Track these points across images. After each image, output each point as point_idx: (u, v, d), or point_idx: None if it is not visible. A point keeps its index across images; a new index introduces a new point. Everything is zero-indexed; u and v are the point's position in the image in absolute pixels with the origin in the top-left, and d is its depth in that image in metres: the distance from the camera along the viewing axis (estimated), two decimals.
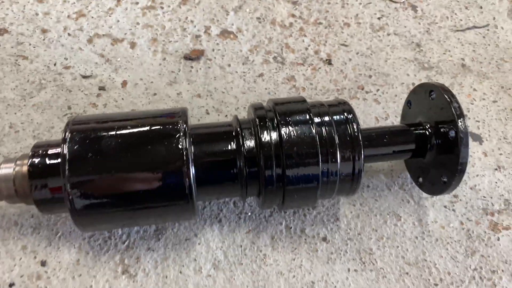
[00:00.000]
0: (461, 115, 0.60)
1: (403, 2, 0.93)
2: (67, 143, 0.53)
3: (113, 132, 0.55)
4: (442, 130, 0.63)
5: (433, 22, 0.91)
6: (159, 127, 0.56)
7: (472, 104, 0.82)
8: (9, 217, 0.64)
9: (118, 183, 0.54)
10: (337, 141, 0.59)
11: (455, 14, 0.93)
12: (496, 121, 0.81)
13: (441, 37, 0.89)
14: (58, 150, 0.55)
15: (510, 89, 0.84)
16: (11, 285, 0.60)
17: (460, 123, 0.60)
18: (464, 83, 0.84)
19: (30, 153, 0.56)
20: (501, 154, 0.77)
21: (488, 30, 0.91)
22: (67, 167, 0.52)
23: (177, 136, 0.55)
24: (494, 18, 0.93)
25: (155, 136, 0.55)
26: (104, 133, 0.55)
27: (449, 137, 0.61)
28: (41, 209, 0.57)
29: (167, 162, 0.54)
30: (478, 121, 0.80)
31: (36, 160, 0.55)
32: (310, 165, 0.58)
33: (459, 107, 0.60)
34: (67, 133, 0.54)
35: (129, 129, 0.56)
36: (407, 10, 0.92)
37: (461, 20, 0.92)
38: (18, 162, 0.56)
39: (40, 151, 0.56)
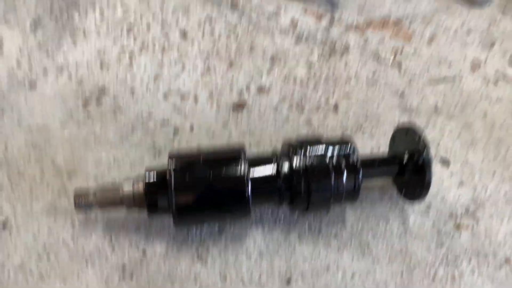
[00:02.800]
0: (425, 147, 0.89)
1: (391, 61, 1.25)
2: (172, 168, 0.82)
3: (201, 160, 0.85)
4: (415, 158, 0.92)
5: (413, 76, 1.22)
6: (229, 155, 0.87)
7: (442, 136, 1.11)
8: (120, 219, 0.94)
9: (205, 195, 0.83)
10: (343, 166, 0.88)
11: (431, 69, 1.24)
12: (461, 150, 1.09)
13: (419, 87, 1.20)
14: (164, 174, 0.84)
15: (470, 126, 1.13)
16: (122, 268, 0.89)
17: (425, 153, 0.89)
18: (436, 122, 1.14)
19: (145, 175, 0.85)
20: (463, 174, 1.06)
21: (455, 81, 1.22)
22: (173, 185, 0.81)
23: (240, 162, 0.85)
24: (460, 71, 1.24)
25: (227, 161, 0.85)
26: (195, 160, 0.85)
27: (419, 163, 0.90)
28: (149, 215, 0.87)
29: (233, 179, 0.84)
30: (447, 150, 1.09)
31: (150, 181, 0.85)
32: (325, 183, 0.87)
33: (424, 141, 0.89)
34: (171, 162, 0.83)
35: (211, 157, 0.87)
36: (394, 68, 1.23)
37: (434, 74, 1.23)
38: (135, 186, 0.85)
39: (151, 175, 0.85)
